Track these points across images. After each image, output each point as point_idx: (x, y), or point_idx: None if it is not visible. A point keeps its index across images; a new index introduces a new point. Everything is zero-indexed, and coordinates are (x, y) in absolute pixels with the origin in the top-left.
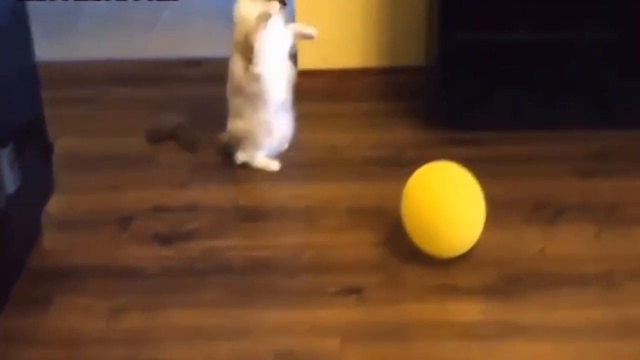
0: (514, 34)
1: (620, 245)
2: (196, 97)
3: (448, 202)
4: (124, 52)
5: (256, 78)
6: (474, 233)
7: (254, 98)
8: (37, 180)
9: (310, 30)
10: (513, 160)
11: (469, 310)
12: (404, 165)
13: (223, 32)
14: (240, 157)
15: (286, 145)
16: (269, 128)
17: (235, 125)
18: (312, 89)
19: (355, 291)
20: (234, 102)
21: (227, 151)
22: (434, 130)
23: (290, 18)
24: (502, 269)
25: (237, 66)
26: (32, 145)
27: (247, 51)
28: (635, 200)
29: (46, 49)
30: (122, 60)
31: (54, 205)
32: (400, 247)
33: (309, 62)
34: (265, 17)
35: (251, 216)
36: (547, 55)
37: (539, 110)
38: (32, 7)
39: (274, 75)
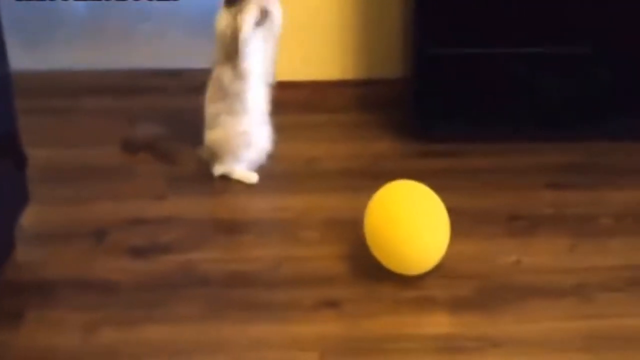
0: (486, 48)
1: (595, 258)
2: (174, 108)
3: (407, 223)
4: (101, 62)
5: (243, 75)
6: (436, 252)
7: (236, 101)
8: (11, 192)
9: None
10: (488, 172)
11: (445, 323)
12: (380, 177)
13: (202, 43)
14: (219, 169)
15: (265, 158)
16: (247, 139)
17: (212, 135)
18: (289, 100)
19: (333, 304)
20: (212, 110)
21: (207, 164)
22: (411, 142)
23: None
24: (477, 282)
25: (225, 73)
26: (6, 156)
27: (234, 48)
28: (608, 212)
29: (22, 58)
30: (100, 70)
31: (28, 217)
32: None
33: (286, 73)
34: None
35: (229, 229)
36: (520, 68)
37: (513, 122)
38: (7, 16)
39: (256, 79)
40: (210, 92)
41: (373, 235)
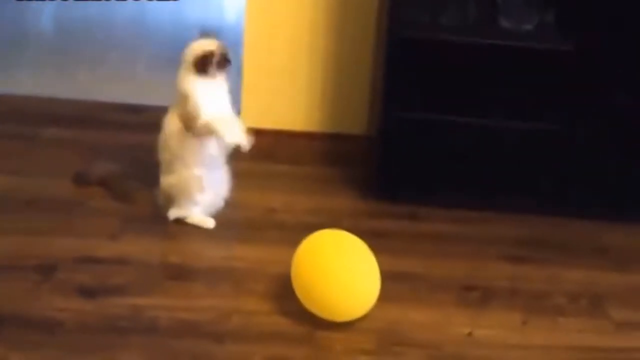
0: (452, 117)
1: (545, 336)
2: (134, 144)
3: (330, 270)
4: (64, 91)
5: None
6: (358, 297)
7: (184, 155)
8: None
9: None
10: (445, 238)
11: None
12: None
13: (169, 79)
14: (174, 212)
15: (222, 203)
16: (200, 184)
17: (167, 181)
18: (253, 147)
19: None
20: (164, 157)
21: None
22: (371, 201)
23: (237, 74)
24: (430, 351)
25: (172, 124)
26: None
27: (187, 120)
28: (561, 290)
29: None
30: (62, 99)
31: None
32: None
33: (251, 120)
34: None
35: (180, 275)
36: (484, 139)
37: (473, 190)
38: None
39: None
40: (161, 140)
41: (299, 284)
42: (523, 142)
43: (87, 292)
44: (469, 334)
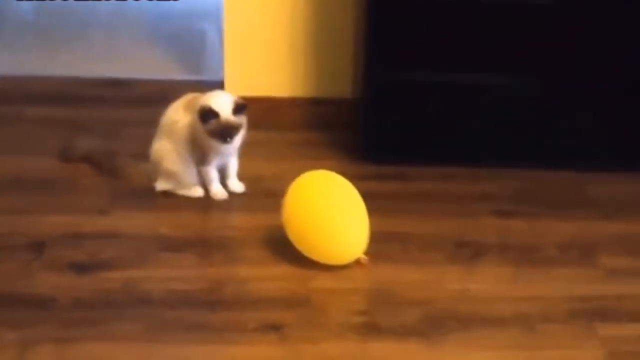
0: (437, 74)
1: (538, 288)
2: (119, 119)
3: (320, 210)
4: (46, 68)
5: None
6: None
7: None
8: None
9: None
10: (435, 197)
11: (389, 350)
12: None
13: (152, 52)
14: (161, 185)
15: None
16: (176, 156)
17: (155, 148)
18: None
19: (276, 327)
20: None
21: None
22: (359, 164)
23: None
24: (424, 308)
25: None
26: None
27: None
28: (551, 242)
29: None
30: (45, 76)
31: None
32: (323, 282)
33: (237, 89)
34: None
35: (172, 246)
36: (470, 95)
37: (461, 148)
38: None
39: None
40: (163, 126)
41: (290, 224)
42: (507, 97)
43: (79, 268)
44: (463, 290)
